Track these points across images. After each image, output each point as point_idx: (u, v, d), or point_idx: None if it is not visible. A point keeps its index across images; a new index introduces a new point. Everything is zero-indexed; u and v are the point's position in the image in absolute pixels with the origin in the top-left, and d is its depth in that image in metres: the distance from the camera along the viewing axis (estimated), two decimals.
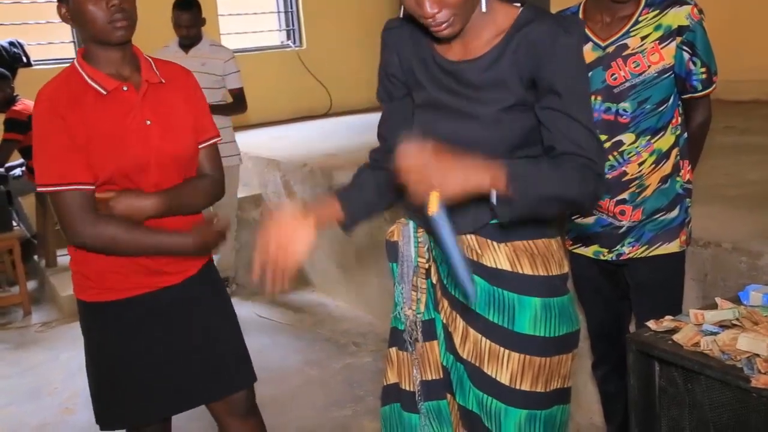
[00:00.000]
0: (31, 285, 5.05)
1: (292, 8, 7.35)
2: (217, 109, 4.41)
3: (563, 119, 1.38)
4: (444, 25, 1.36)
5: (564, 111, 1.37)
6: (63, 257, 5.25)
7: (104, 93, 1.84)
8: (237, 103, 4.54)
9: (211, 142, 2.06)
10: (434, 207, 1.27)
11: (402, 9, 1.49)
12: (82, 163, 1.81)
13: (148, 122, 1.88)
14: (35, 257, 5.42)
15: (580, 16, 2.06)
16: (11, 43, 5.92)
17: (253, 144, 5.59)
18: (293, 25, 7.39)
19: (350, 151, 4.93)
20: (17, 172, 5.30)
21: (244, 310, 4.48)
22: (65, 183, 1.80)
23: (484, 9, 1.39)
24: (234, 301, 4.71)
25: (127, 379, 1.97)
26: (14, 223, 5.17)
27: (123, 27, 1.81)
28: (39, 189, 1.83)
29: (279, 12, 7.43)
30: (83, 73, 1.85)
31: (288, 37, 7.44)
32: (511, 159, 1.40)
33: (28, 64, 5.95)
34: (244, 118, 5.17)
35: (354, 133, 5.67)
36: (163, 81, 1.93)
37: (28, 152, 5.07)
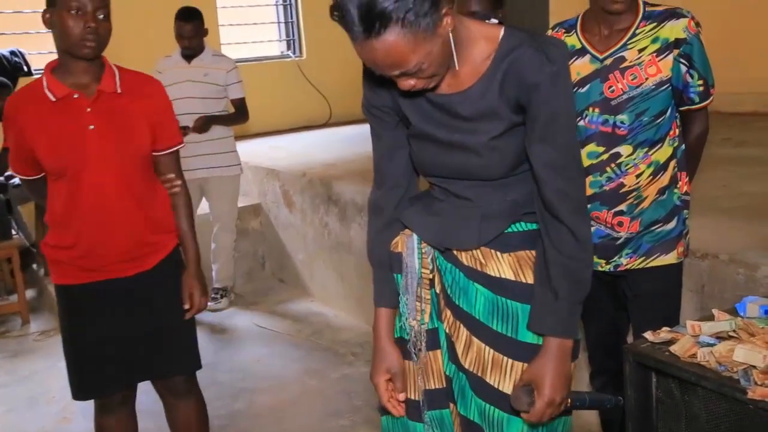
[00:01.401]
0: (30, 294, 5.05)
1: (292, 19, 7.38)
2: (219, 119, 4.43)
3: (548, 169, 1.40)
4: (424, 88, 1.39)
5: (550, 160, 1.40)
6: None
7: (54, 100, 2.10)
8: (239, 113, 4.55)
9: (175, 148, 2.32)
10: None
11: None
12: (28, 161, 2.16)
13: (91, 127, 2.12)
14: (34, 266, 5.42)
15: (578, 28, 2.08)
16: (12, 52, 5.94)
17: (253, 153, 5.61)
18: (293, 36, 7.41)
19: (349, 161, 4.95)
20: (16, 180, 5.30)
21: (243, 319, 4.49)
22: (19, 174, 2.26)
23: (456, 67, 1.39)
24: (232, 310, 4.77)
25: (80, 354, 2.27)
26: (13, 232, 5.17)
27: (91, 47, 2.05)
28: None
29: (279, 22, 7.46)
30: (44, 82, 2.12)
31: (288, 48, 7.47)
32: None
33: (29, 73, 5.97)
34: (243, 127, 5.19)
35: (353, 143, 5.69)
36: (120, 91, 2.16)
37: None
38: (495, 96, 1.40)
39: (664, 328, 1.66)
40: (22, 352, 4.26)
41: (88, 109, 2.11)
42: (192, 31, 4.32)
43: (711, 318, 1.67)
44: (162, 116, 2.26)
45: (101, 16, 2.05)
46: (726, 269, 2.33)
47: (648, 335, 1.64)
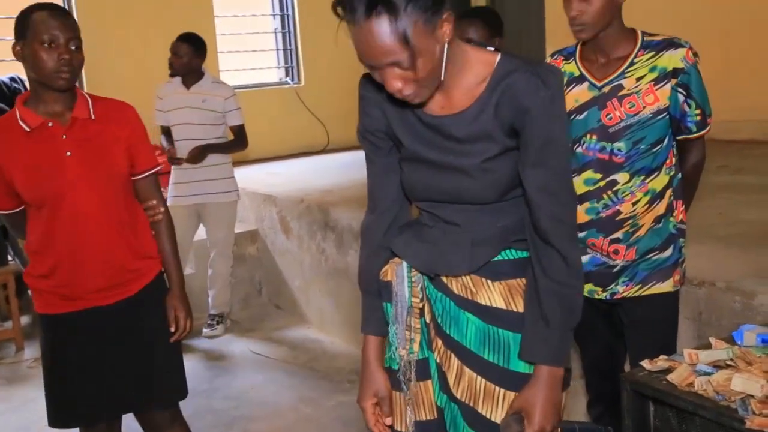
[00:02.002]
0: (24, 320, 5.01)
1: (290, 46, 7.44)
2: (218, 147, 4.44)
3: (542, 194, 1.40)
4: (411, 97, 1.38)
5: (544, 185, 1.40)
6: None
7: (28, 130, 2.09)
8: (238, 140, 4.56)
9: (153, 171, 2.30)
10: None
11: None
12: (5, 193, 2.14)
13: (68, 153, 2.11)
14: (29, 292, 5.39)
15: (577, 56, 2.10)
16: (12, 79, 5.96)
17: (251, 179, 5.62)
18: (292, 63, 7.47)
19: (346, 188, 4.96)
20: None
21: (239, 346, 4.46)
22: None
23: (442, 78, 1.38)
24: (228, 337, 4.74)
25: (58, 384, 2.24)
26: (9, 257, 5.15)
27: (66, 78, 2.05)
28: None
29: (278, 50, 7.51)
30: (17, 113, 2.12)
31: (286, 74, 7.52)
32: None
33: None
34: (242, 153, 5.20)
35: (351, 169, 5.70)
36: (94, 117, 2.16)
37: None
38: (490, 119, 1.40)
39: (662, 357, 1.65)
40: (15, 379, 4.22)
41: (64, 136, 2.10)
42: (186, 51, 4.34)
43: (708, 346, 1.67)
44: (137, 139, 2.25)
45: (74, 47, 2.05)
46: (723, 297, 2.33)
47: (645, 363, 1.64)
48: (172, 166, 4.46)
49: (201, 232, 4.64)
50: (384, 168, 1.58)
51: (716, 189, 3.64)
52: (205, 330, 4.55)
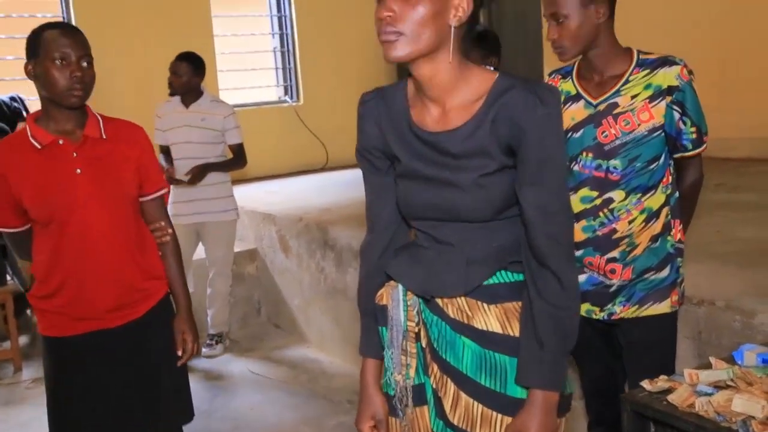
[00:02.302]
0: (23, 340, 5.00)
1: (290, 65, 7.48)
2: (217, 166, 4.45)
3: (539, 212, 1.40)
4: (390, 37, 1.36)
5: (541, 204, 1.40)
6: None
7: (39, 147, 2.10)
8: (237, 158, 4.57)
9: (160, 193, 2.33)
10: None
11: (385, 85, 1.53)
12: (12, 210, 2.13)
13: (78, 171, 2.12)
14: (28, 311, 5.37)
15: (574, 74, 2.11)
16: (12, 98, 5.99)
17: (250, 198, 5.63)
18: (291, 81, 7.51)
19: (345, 206, 4.96)
20: None
21: (238, 366, 4.45)
22: (2, 227, 2.20)
23: (450, 59, 1.40)
24: (227, 357, 4.73)
25: (61, 408, 2.22)
26: (8, 277, 5.14)
27: (78, 95, 2.07)
28: None
29: (277, 68, 7.55)
30: (28, 131, 2.12)
31: (285, 93, 7.55)
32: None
33: None
34: (241, 172, 5.21)
35: (350, 187, 5.70)
36: (105, 137, 2.17)
37: None
38: (486, 135, 1.40)
39: (662, 377, 1.65)
40: (13, 401, 4.20)
41: (75, 154, 2.11)
42: (186, 70, 4.36)
43: (708, 366, 1.67)
44: (147, 160, 2.26)
45: (85, 64, 2.06)
46: (722, 316, 2.33)
47: (645, 384, 1.64)
48: (171, 185, 4.47)
49: (200, 251, 4.64)
50: (381, 188, 1.59)
51: (714, 207, 3.65)
52: (204, 350, 4.53)
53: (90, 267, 2.14)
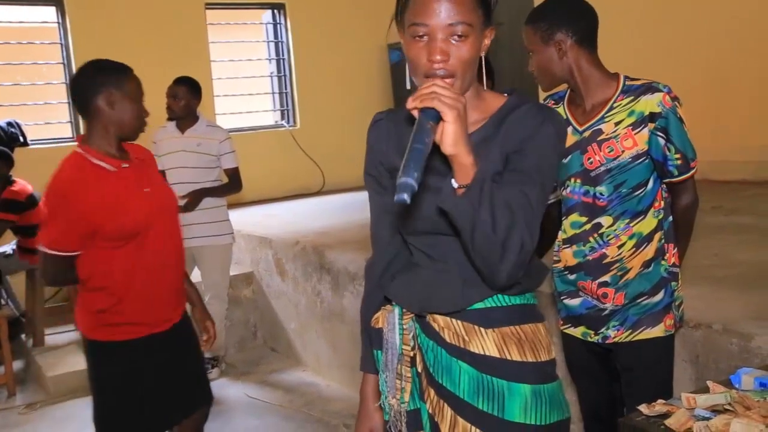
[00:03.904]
0: (17, 365, 4.96)
1: (286, 89, 7.52)
2: (212, 191, 4.46)
3: (516, 178, 1.36)
4: (444, 74, 1.35)
5: (522, 188, 1.34)
6: (51, 336, 5.19)
7: (113, 170, 2.28)
8: (232, 183, 4.58)
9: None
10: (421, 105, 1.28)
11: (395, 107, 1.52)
12: (78, 235, 2.23)
13: (146, 189, 2.35)
14: (22, 336, 5.35)
15: (566, 100, 2.14)
16: (9, 123, 6.01)
17: (246, 222, 5.62)
18: (287, 106, 7.54)
19: (342, 230, 4.96)
20: (7, 250, 5.28)
21: (234, 390, 4.42)
22: (62, 250, 2.26)
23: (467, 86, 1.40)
24: (223, 380, 4.70)
25: (120, 407, 2.38)
26: (2, 302, 5.12)
27: (144, 130, 2.38)
28: (38, 247, 2.29)
29: (273, 93, 7.60)
30: (89, 157, 2.27)
31: (282, 117, 7.59)
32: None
33: (25, 144, 6.02)
34: (237, 196, 5.22)
35: (346, 211, 5.71)
36: (139, 159, 2.41)
37: (23, 231, 5.07)
38: (493, 145, 1.42)
39: (659, 401, 1.64)
40: (6, 426, 4.16)
41: (136, 175, 2.33)
42: (184, 93, 4.39)
43: (706, 390, 1.66)
44: (161, 178, 2.55)
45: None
46: (720, 339, 2.32)
47: (643, 408, 1.62)
48: None
49: (196, 275, 4.63)
50: (384, 208, 1.59)
51: (711, 230, 3.65)
52: None
53: (161, 276, 2.36)
